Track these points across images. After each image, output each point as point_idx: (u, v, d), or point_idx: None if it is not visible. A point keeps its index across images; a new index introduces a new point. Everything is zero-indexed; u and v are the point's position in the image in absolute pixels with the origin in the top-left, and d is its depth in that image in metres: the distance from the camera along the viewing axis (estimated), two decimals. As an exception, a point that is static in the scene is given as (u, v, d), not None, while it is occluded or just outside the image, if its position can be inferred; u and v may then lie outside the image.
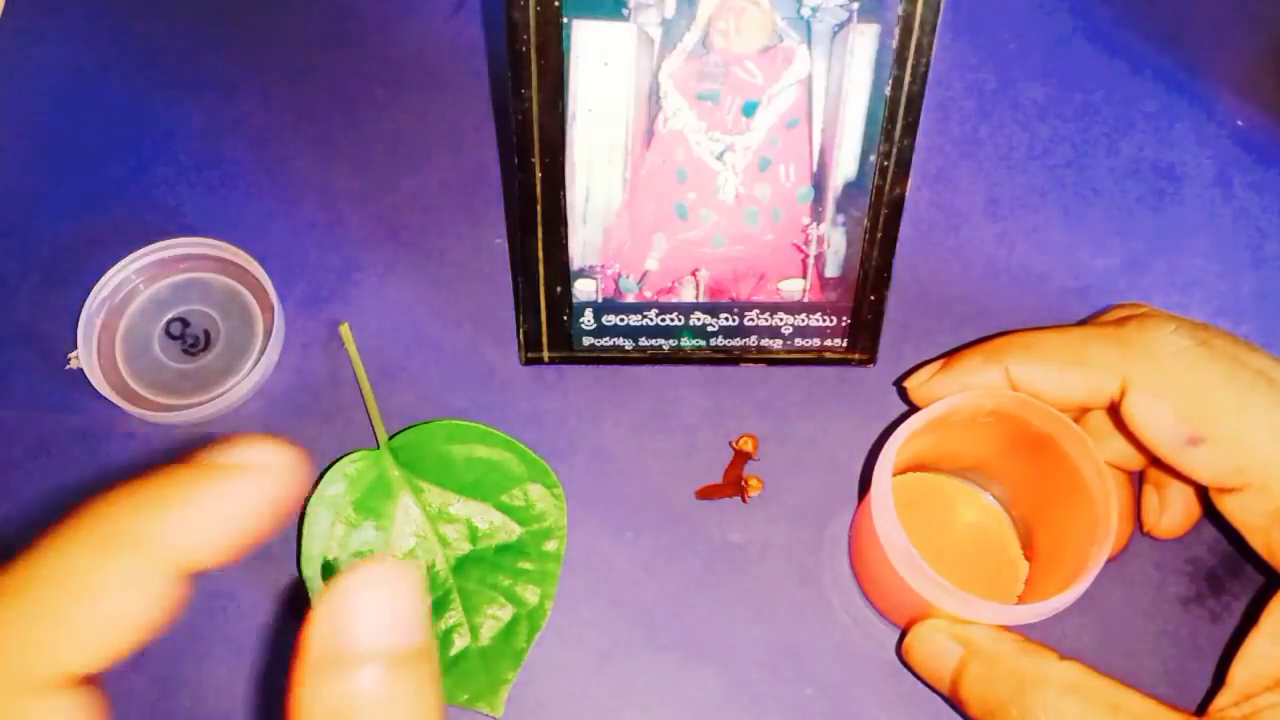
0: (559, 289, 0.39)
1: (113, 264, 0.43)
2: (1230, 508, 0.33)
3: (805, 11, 0.34)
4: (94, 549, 0.18)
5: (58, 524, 0.18)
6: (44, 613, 0.17)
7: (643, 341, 0.40)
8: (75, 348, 0.41)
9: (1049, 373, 0.35)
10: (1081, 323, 0.40)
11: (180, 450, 0.41)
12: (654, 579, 0.39)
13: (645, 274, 0.39)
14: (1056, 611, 0.32)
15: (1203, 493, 0.36)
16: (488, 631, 0.38)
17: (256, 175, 0.46)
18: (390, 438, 0.40)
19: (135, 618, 0.18)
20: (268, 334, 0.43)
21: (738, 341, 0.40)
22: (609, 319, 0.39)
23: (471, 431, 0.40)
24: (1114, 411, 0.34)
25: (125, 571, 0.18)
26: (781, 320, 0.40)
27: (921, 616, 0.34)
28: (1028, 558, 0.38)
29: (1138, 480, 0.39)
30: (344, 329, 0.43)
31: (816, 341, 0.40)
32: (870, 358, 0.41)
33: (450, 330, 0.43)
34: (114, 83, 0.48)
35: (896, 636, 0.37)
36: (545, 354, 0.40)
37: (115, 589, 0.18)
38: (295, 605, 0.39)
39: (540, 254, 0.38)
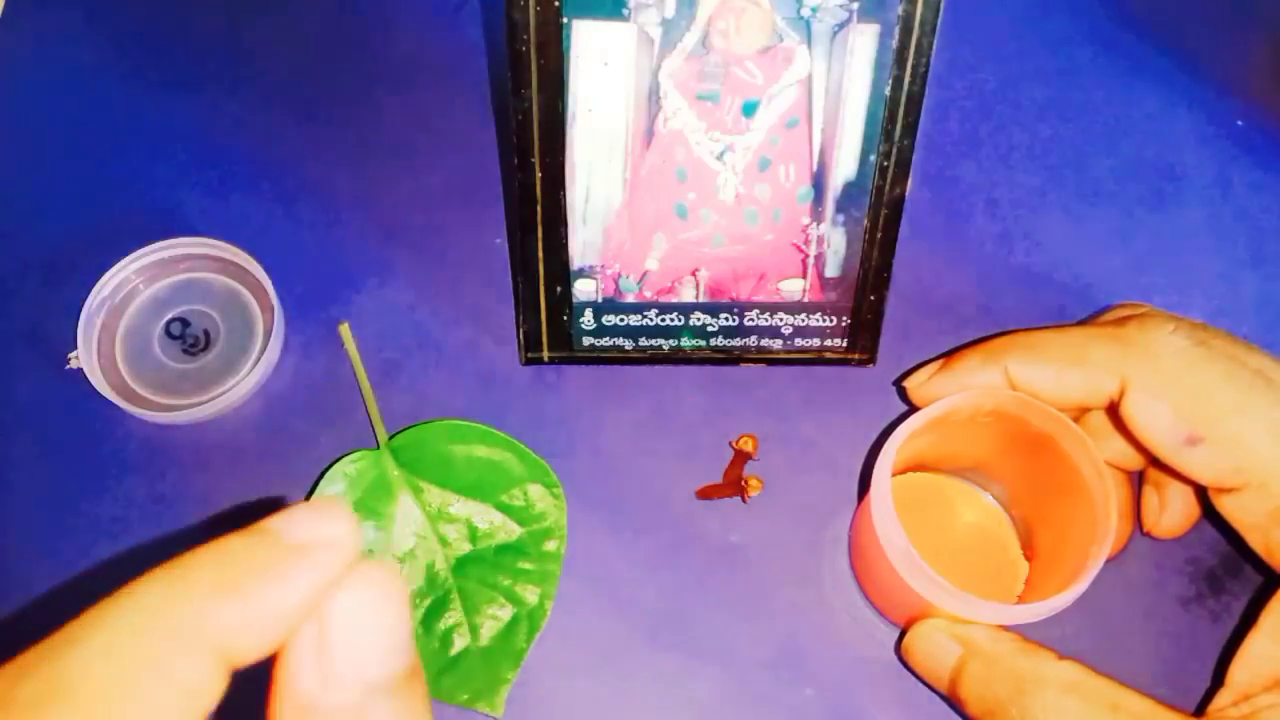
0: (559, 289, 0.39)
1: (113, 264, 0.43)
2: (1229, 507, 0.33)
3: (805, 11, 0.34)
4: (133, 638, 0.15)
5: (92, 607, 0.16)
6: (76, 707, 0.15)
7: (643, 341, 0.40)
8: (75, 348, 0.41)
9: (1048, 373, 0.35)
10: (1081, 323, 0.40)
11: (180, 450, 0.41)
12: (654, 579, 0.39)
13: (645, 274, 0.39)
14: (1056, 611, 0.32)
15: (1202, 493, 0.36)
16: (488, 631, 0.38)
17: (256, 175, 0.46)
18: (390, 438, 0.40)
19: (173, 715, 0.15)
20: (268, 334, 0.43)
21: (738, 341, 0.40)
22: (609, 319, 0.39)
23: (471, 431, 0.40)
24: (1114, 411, 0.34)
25: (167, 666, 0.15)
26: (781, 320, 0.40)
27: (921, 616, 0.34)
28: (1028, 558, 0.38)
29: (1138, 480, 0.39)
30: (344, 329, 0.43)
31: (816, 341, 0.40)
32: (870, 358, 0.41)
33: (450, 330, 0.43)
34: (114, 83, 0.48)
35: (896, 636, 0.37)
36: (545, 354, 0.40)
37: (153, 686, 0.15)
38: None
39: (540, 254, 0.38)
